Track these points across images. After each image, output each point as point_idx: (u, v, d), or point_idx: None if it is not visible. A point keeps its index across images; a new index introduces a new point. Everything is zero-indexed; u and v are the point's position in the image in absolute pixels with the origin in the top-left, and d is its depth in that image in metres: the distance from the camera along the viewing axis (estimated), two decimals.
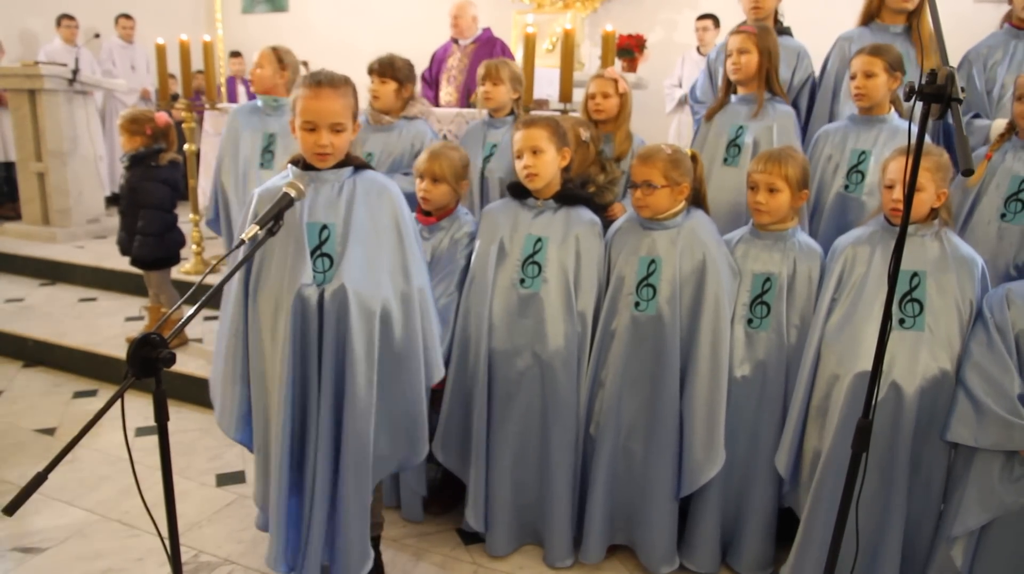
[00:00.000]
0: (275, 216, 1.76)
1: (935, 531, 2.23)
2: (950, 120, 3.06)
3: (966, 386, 2.11)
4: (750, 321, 2.38)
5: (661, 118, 6.48)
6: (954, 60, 3.13)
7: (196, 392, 3.69)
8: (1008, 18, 3.11)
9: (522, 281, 2.43)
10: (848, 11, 3.92)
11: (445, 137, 3.45)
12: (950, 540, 2.14)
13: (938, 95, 1.45)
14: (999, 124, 2.76)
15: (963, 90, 3.09)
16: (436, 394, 2.58)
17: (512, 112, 3.21)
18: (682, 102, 6.25)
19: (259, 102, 3.60)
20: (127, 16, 7.76)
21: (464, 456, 2.57)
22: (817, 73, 3.36)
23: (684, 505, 2.49)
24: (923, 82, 1.46)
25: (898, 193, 2.18)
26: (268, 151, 3.54)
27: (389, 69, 3.17)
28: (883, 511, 2.17)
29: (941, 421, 2.15)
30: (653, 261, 2.36)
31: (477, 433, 2.48)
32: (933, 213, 2.21)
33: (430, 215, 2.64)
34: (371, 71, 3.20)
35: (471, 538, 2.67)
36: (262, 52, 3.57)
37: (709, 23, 6.32)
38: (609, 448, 2.42)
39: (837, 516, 1.72)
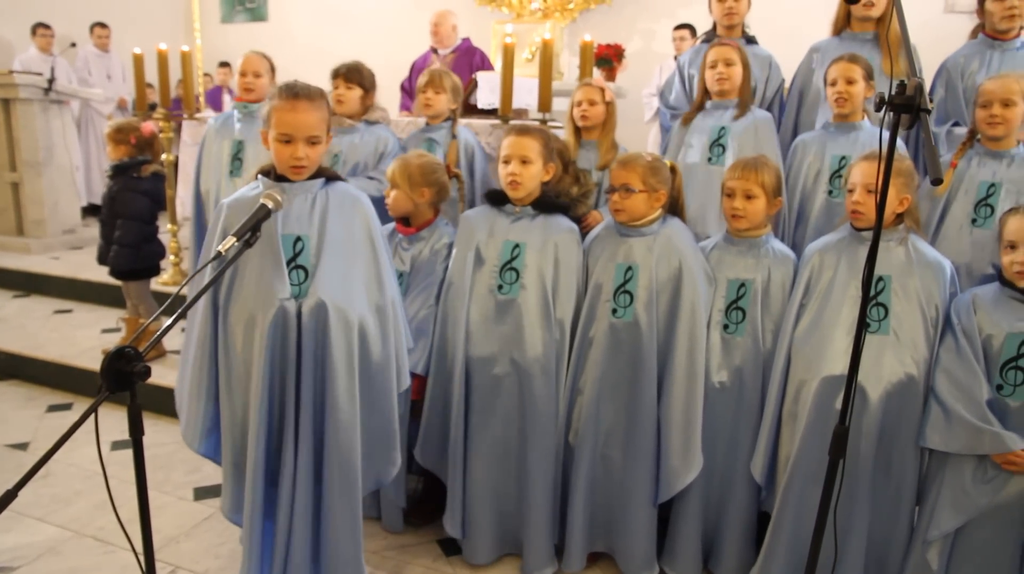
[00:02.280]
0: (252, 227, 1.74)
1: (909, 534, 2.25)
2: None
3: (936, 393, 2.15)
4: (726, 327, 2.40)
5: (640, 127, 6.52)
6: (928, 69, 3.21)
7: (174, 404, 3.64)
8: (982, 28, 3.18)
9: (500, 287, 2.44)
10: (807, 20, 4.00)
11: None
12: (926, 543, 2.17)
13: (907, 106, 1.48)
14: (962, 131, 2.82)
15: (943, 99, 3.17)
16: (414, 404, 2.57)
17: (448, 119, 3.29)
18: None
19: (234, 111, 3.58)
20: (102, 25, 7.69)
21: (444, 461, 2.56)
22: (787, 81, 3.42)
23: (665, 511, 2.50)
24: (893, 93, 1.49)
25: (858, 196, 2.24)
26: (237, 159, 3.52)
27: (357, 75, 3.23)
28: (847, 514, 2.19)
29: (908, 424, 2.18)
30: (630, 268, 2.38)
31: (454, 439, 2.48)
32: (898, 219, 2.25)
33: (410, 225, 2.64)
34: (337, 75, 3.23)
35: (452, 549, 2.66)
36: (256, 60, 3.52)
37: (686, 33, 6.38)
38: (588, 455, 2.43)
39: (816, 521, 1.74)
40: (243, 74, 3.50)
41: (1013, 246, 2.11)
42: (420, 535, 2.75)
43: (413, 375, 2.41)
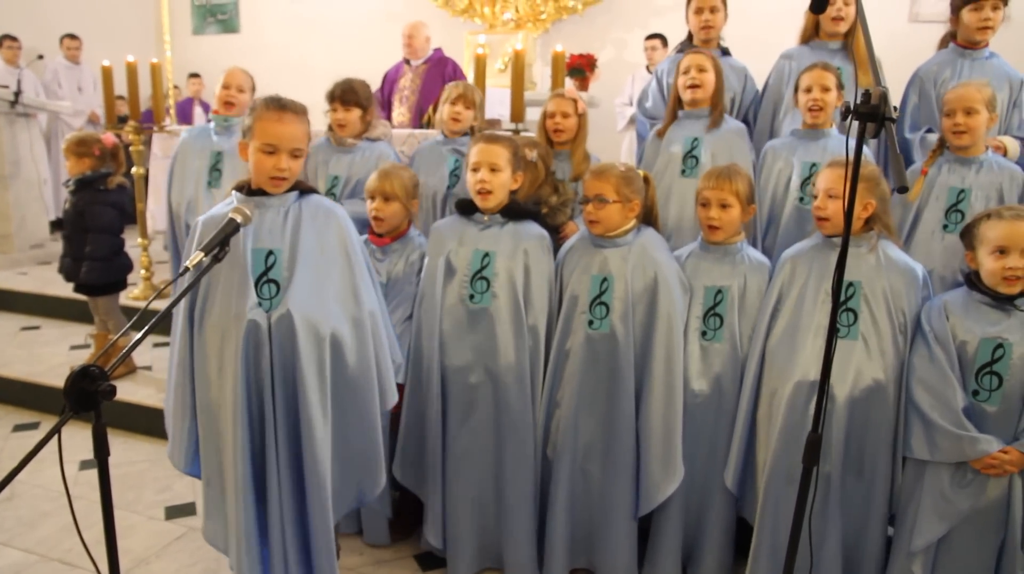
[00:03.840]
0: (221, 242, 1.73)
1: (883, 537, 2.26)
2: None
3: (914, 402, 2.16)
4: (704, 333, 2.41)
5: (613, 136, 6.56)
6: (892, 77, 3.27)
7: (145, 421, 3.58)
8: (952, 38, 3.23)
9: (471, 296, 2.42)
10: (775, 32, 4.06)
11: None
12: (910, 555, 2.16)
13: (872, 114, 1.50)
14: (935, 137, 2.87)
15: (916, 106, 3.21)
16: (394, 417, 2.55)
17: (466, 134, 3.22)
18: (633, 120, 6.34)
19: (211, 123, 3.55)
20: (72, 36, 7.59)
21: (423, 475, 2.54)
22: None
23: (645, 521, 2.49)
24: (858, 102, 1.51)
25: (820, 202, 2.29)
26: (215, 170, 3.49)
27: (352, 95, 3.11)
28: (821, 519, 2.20)
29: (877, 428, 2.20)
30: (605, 279, 2.38)
31: (432, 451, 2.46)
32: (867, 224, 2.28)
33: (382, 236, 2.62)
34: (333, 98, 3.13)
35: (429, 564, 2.63)
36: (241, 75, 3.49)
37: (658, 43, 6.44)
38: (567, 469, 2.41)
39: (791, 528, 1.74)
40: (226, 87, 3.47)
41: (1003, 251, 2.07)
42: (397, 550, 2.72)
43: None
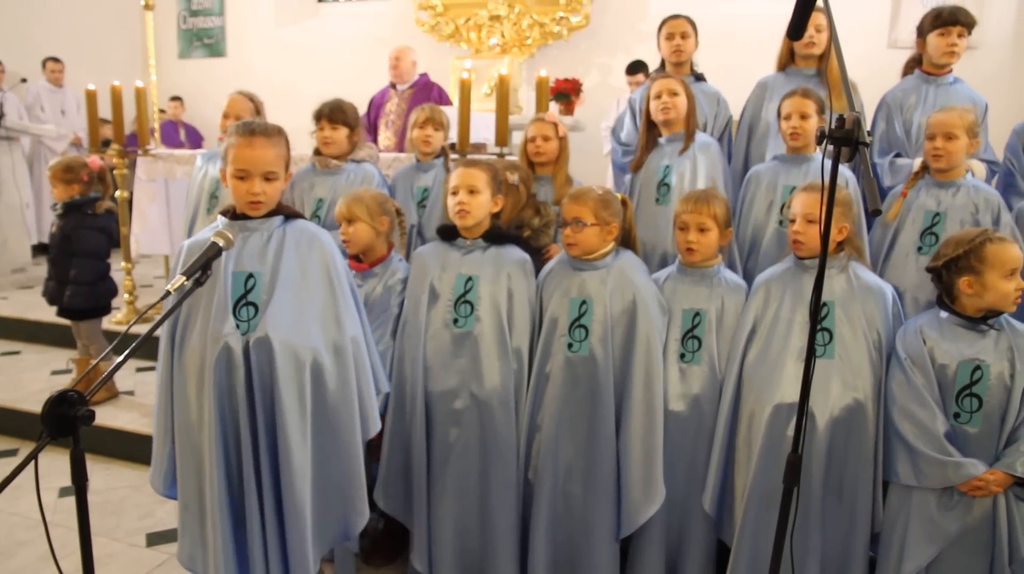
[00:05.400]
0: (203, 266, 1.73)
1: (865, 558, 2.27)
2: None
3: (897, 430, 2.17)
4: (683, 356, 2.42)
5: (598, 160, 6.60)
6: (871, 103, 3.33)
7: (127, 447, 3.55)
8: (917, 63, 3.31)
9: (455, 321, 2.43)
10: (752, 57, 4.13)
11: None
12: None
13: (847, 139, 1.53)
14: (918, 163, 2.92)
15: (884, 132, 3.26)
16: (371, 446, 2.53)
17: (438, 156, 3.26)
18: None
19: (216, 150, 3.58)
20: (56, 59, 7.57)
21: (407, 502, 2.52)
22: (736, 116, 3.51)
23: (626, 542, 2.48)
24: (832, 127, 1.54)
25: (798, 226, 2.32)
26: (214, 197, 3.54)
27: (340, 114, 3.15)
28: (802, 539, 2.20)
29: (856, 447, 2.21)
30: (584, 302, 2.39)
31: (418, 477, 2.45)
32: (839, 247, 2.31)
33: (362, 261, 2.63)
34: (320, 116, 3.16)
35: None
36: (239, 102, 3.47)
37: (641, 77, 6.49)
38: (548, 492, 2.41)
39: (773, 549, 1.74)
40: (226, 116, 3.48)
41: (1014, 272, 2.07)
42: None
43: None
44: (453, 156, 3.37)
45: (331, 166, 3.19)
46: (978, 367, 2.10)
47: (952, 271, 2.16)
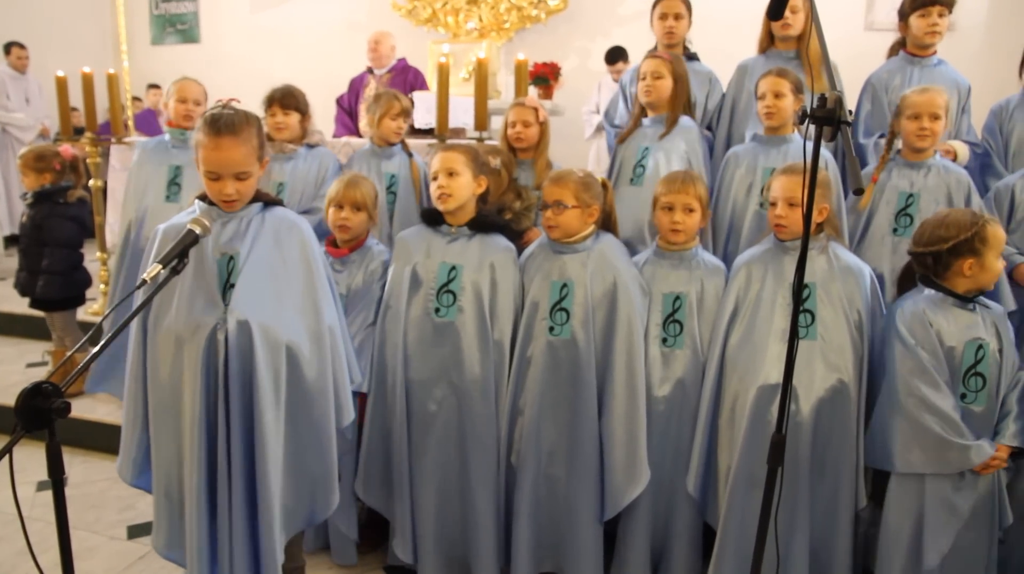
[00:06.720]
0: (179, 254, 1.70)
1: (850, 534, 2.29)
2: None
3: (915, 420, 2.15)
4: (665, 340, 2.43)
5: (580, 144, 6.60)
6: (849, 85, 3.34)
7: (105, 439, 3.50)
8: (902, 45, 3.31)
9: (437, 310, 2.41)
10: (737, 39, 4.12)
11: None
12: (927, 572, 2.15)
13: (828, 118, 1.53)
14: (883, 143, 2.93)
15: (869, 112, 3.28)
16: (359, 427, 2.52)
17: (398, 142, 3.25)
18: (600, 128, 6.37)
19: (166, 136, 3.49)
20: (20, 45, 7.37)
21: (387, 492, 2.52)
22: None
23: (613, 526, 2.50)
24: (814, 106, 1.53)
25: (780, 210, 2.31)
26: (174, 183, 3.45)
27: (292, 100, 3.17)
28: (788, 519, 2.23)
29: (840, 426, 2.23)
30: (565, 285, 2.39)
31: (399, 466, 2.44)
32: (819, 228, 2.33)
33: (340, 247, 2.60)
34: (272, 102, 3.16)
35: None
36: (193, 88, 3.44)
37: (621, 65, 6.46)
38: (531, 476, 2.41)
39: (758, 530, 1.76)
40: (183, 100, 3.41)
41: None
42: (365, 564, 2.69)
43: (357, 394, 2.35)
44: (421, 141, 3.34)
45: (287, 150, 3.18)
46: (980, 346, 2.13)
47: (954, 254, 2.17)
